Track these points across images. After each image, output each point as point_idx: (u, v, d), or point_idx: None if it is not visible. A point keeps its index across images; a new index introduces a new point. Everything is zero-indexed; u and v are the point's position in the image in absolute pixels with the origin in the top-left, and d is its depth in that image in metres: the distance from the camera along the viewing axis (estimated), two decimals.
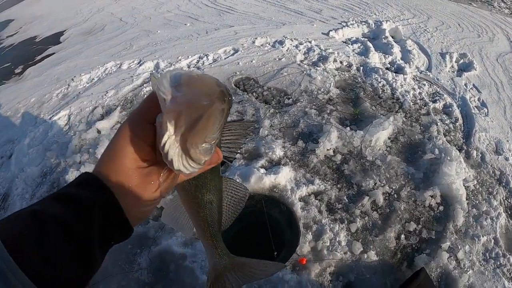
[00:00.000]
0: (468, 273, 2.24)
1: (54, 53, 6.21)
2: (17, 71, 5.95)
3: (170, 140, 0.48)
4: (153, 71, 4.57)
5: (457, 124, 3.40)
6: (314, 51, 4.44)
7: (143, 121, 0.54)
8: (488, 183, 2.79)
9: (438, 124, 3.31)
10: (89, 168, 2.95)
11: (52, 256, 0.49)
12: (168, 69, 0.49)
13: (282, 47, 4.59)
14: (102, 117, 3.75)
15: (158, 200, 0.60)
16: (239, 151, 0.67)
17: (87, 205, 0.53)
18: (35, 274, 0.47)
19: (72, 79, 4.74)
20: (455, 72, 4.27)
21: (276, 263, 0.72)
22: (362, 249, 2.34)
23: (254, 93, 3.72)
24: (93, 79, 4.72)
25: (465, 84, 3.97)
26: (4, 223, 0.50)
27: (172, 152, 0.49)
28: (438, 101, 3.64)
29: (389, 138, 3.12)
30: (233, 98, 0.49)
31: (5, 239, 0.47)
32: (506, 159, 3.00)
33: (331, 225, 2.43)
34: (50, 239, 0.49)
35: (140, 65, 4.75)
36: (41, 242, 0.48)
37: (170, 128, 0.47)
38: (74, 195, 0.53)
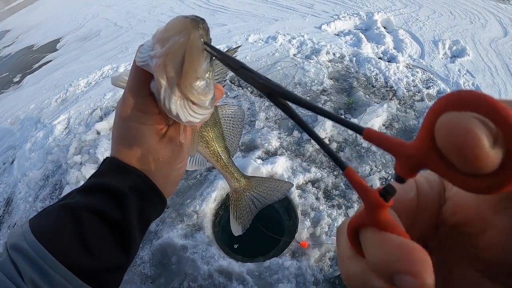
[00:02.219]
0: None
1: (51, 60, 6.27)
2: (15, 80, 6.01)
3: (167, 93, 0.47)
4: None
5: None
6: (307, 44, 4.48)
7: (142, 96, 0.53)
8: None
9: None
10: (89, 168, 3.00)
11: (92, 247, 0.48)
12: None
13: (275, 42, 4.63)
14: (101, 119, 3.80)
15: (186, 162, 0.60)
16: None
17: (120, 191, 0.52)
18: (77, 267, 0.46)
19: (70, 84, 4.80)
20: (448, 59, 4.30)
21: (285, 181, 0.75)
22: None
23: (249, 88, 3.76)
24: (90, 83, 4.78)
25: (459, 70, 3.99)
26: (36, 220, 0.49)
27: (174, 105, 0.47)
28: (432, 87, 3.67)
29: (383, 125, 3.16)
30: (206, 24, 0.46)
31: (40, 236, 0.46)
32: None
33: (329, 211, 2.47)
34: (88, 231, 0.48)
35: None
36: (79, 234, 0.47)
37: (163, 82, 0.46)
38: (104, 185, 0.52)
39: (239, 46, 0.72)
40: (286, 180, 2.62)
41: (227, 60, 0.41)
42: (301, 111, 3.27)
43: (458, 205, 0.27)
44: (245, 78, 0.35)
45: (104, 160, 0.56)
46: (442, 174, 0.21)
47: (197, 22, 0.45)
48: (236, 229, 0.72)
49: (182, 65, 0.45)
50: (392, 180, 0.24)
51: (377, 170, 2.73)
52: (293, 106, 0.32)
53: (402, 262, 0.20)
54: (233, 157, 0.70)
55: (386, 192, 0.23)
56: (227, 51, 0.62)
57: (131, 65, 0.53)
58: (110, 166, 0.55)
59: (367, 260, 0.23)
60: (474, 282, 0.27)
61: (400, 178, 0.23)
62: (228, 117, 0.70)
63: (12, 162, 3.65)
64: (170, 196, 0.62)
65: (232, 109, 0.70)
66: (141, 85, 0.52)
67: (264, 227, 2.52)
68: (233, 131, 0.71)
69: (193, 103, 0.48)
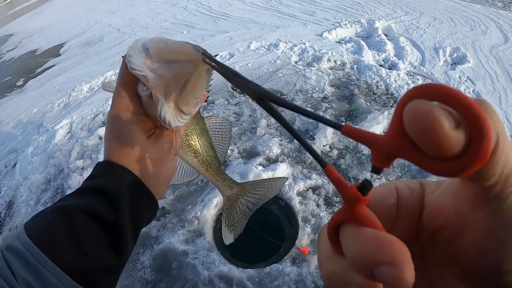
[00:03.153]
0: None
1: (54, 65, 6.31)
2: (18, 83, 6.06)
3: (164, 108, 0.51)
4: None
5: None
6: (308, 52, 4.51)
7: (129, 97, 0.55)
8: None
9: None
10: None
11: (86, 248, 0.48)
12: (130, 46, 0.54)
13: (277, 50, 4.67)
14: (103, 124, 3.83)
15: (176, 160, 0.63)
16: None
17: (113, 193, 0.53)
18: (71, 268, 0.46)
19: (73, 89, 4.83)
20: (449, 66, 4.32)
21: (279, 177, 0.75)
22: None
23: None
24: (93, 88, 4.81)
25: (459, 77, 4.01)
26: (31, 222, 0.50)
27: (168, 116, 0.52)
28: None
29: (384, 132, 3.16)
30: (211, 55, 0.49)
31: (35, 237, 0.47)
32: None
33: (329, 217, 2.47)
34: (81, 231, 0.49)
35: None
36: (73, 236, 0.48)
37: (161, 99, 0.51)
38: (97, 186, 0.53)
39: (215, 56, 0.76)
40: (282, 177, 2.63)
41: (224, 69, 0.45)
42: (302, 118, 3.29)
43: (436, 209, 0.28)
44: (238, 85, 0.40)
45: (97, 164, 0.58)
46: (413, 161, 0.22)
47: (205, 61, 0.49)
48: (228, 238, 0.73)
49: (184, 86, 0.50)
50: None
51: (377, 177, 2.74)
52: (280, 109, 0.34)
53: (380, 253, 0.21)
54: (221, 165, 0.72)
55: (363, 186, 0.24)
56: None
57: (121, 66, 0.55)
58: (103, 168, 0.56)
59: (346, 256, 0.24)
60: None
61: (375, 169, 0.24)
62: (215, 127, 0.73)
63: (14, 165, 3.67)
64: (162, 197, 0.63)
65: (219, 120, 0.74)
66: (129, 86, 0.54)
67: (265, 233, 2.52)
68: (221, 141, 0.73)
69: (184, 113, 0.53)
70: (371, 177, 2.75)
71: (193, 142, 0.67)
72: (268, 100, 0.34)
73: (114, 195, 0.53)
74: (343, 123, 0.25)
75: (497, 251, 0.24)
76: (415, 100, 0.21)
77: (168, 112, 0.52)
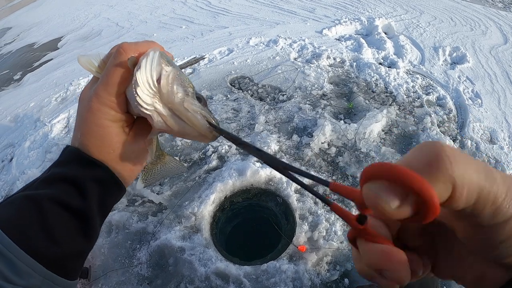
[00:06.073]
0: None
1: (52, 59, 6.27)
2: (15, 77, 6.01)
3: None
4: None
5: (451, 115, 3.44)
6: (307, 48, 4.49)
7: (119, 95, 0.55)
8: None
9: (432, 115, 3.35)
10: None
11: (57, 236, 0.49)
12: (139, 70, 0.50)
13: (276, 46, 4.65)
14: None
15: (148, 158, 0.65)
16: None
17: (82, 181, 0.53)
18: (44, 257, 0.47)
19: (71, 83, 4.79)
20: (448, 65, 4.32)
21: (181, 164, 0.80)
22: None
23: (249, 91, 3.77)
24: None
25: (459, 77, 4.01)
26: None
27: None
28: (431, 94, 3.69)
29: (382, 130, 3.16)
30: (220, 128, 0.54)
31: (5, 227, 0.47)
32: (501, 148, 3.03)
33: (327, 215, 2.47)
34: (50, 218, 0.49)
35: None
36: (42, 222, 0.48)
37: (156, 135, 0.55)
38: (66, 174, 0.54)
39: (203, 58, 0.78)
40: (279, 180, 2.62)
41: (232, 137, 0.50)
42: (301, 115, 3.28)
43: None
44: (245, 150, 0.47)
45: (66, 149, 0.58)
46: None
47: (215, 137, 0.53)
48: (140, 186, 0.81)
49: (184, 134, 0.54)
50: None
51: None
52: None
53: (384, 263, 0.31)
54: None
55: (360, 219, 0.33)
56: (192, 59, 0.66)
57: (111, 61, 0.54)
58: (74, 157, 0.56)
59: (363, 261, 0.33)
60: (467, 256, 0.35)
61: (361, 215, 0.33)
62: None
63: (11, 160, 3.65)
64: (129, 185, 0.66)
65: None
66: (119, 85, 0.54)
67: (262, 230, 2.52)
68: None
69: None
70: None
71: None
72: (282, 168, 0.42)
73: (83, 184, 0.53)
74: (330, 181, 0.34)
75: (485, 249, 0.32)
76: (368, 184, 0.29)
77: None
